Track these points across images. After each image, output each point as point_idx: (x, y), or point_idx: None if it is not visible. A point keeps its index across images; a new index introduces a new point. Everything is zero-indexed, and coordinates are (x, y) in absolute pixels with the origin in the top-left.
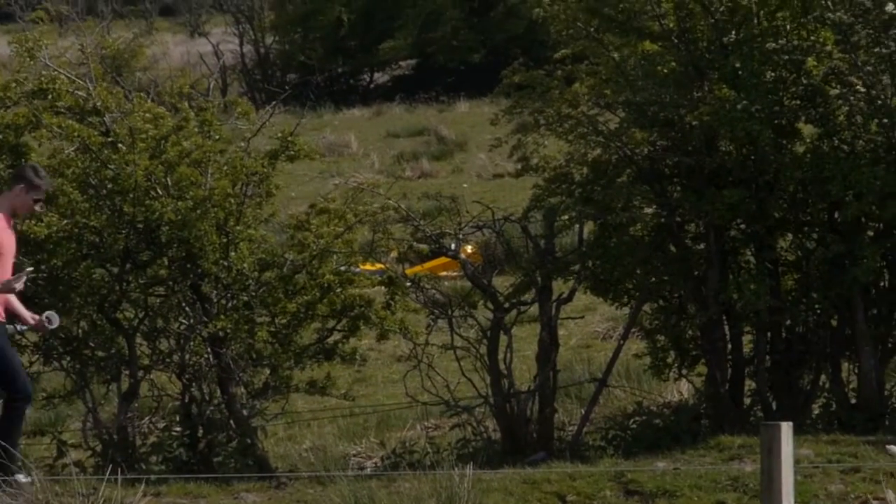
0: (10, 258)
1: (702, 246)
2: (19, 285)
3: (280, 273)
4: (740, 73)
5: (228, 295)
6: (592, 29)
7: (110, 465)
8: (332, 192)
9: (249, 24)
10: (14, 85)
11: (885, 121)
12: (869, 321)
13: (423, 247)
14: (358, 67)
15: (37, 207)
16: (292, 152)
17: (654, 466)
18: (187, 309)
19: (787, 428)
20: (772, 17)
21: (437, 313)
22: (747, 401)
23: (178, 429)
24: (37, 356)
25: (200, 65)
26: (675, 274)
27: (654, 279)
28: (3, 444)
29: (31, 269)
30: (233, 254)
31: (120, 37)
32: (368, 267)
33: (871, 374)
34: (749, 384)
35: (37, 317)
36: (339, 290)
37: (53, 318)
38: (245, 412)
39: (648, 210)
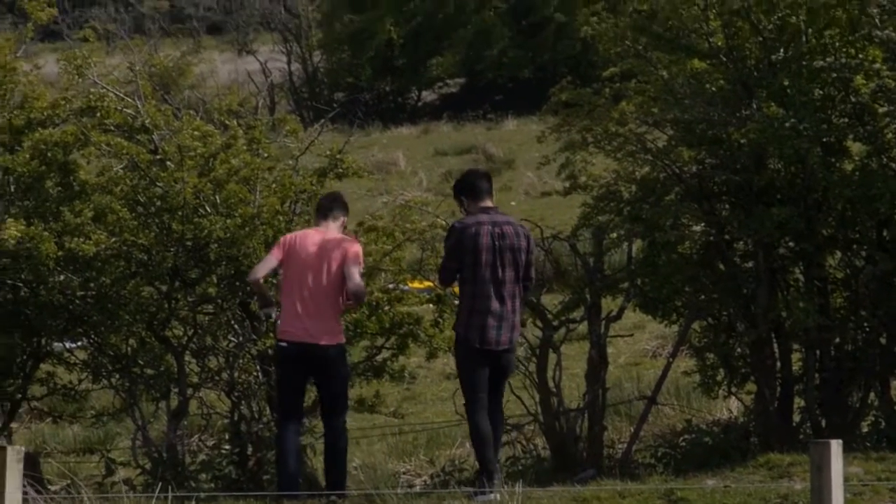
0: None
1: (750, 264)
2: None
3: None
4: (788, 90)
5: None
6: (641, 47)
7: (160, 483)
8: (380, 209)
9: (297, 43)
10: (63, 103)
11: None
12: None
13: None
14: (406, 86)
15: None
16: (340, 170)
17: (704, 484)
18: (236, 327)
19: (836, 446)
20: (820, 34)
21: None
22: (796, 418)
23: (227, 447)
24: (86, 374)
25: (248, 83)
26: (723, 292)
27: (702, 297)
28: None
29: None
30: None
31: (168, 55)
32: (417, 285)
33: None
34: (798, 402)
35: None
36: (387, 307)
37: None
38: None
39: (697, 228)
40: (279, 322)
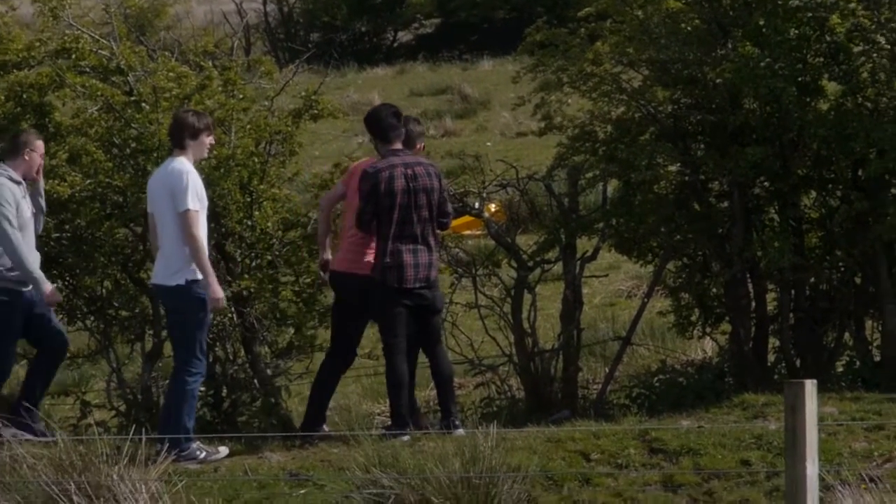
0: None
1: (725, 204)
2: None
3: (304, 232)
4: (764, 30)
5: (252, 254)
6: None
7: (134, 425)
8: (356, 150)
9: None
10: (38, 45)
11: None
12: (893, 278)
13: None
14: (381, 26)
15: None
16: (316, 111)
17: (679, 425)
18: None
19: (811, 386)
20: None
21: (461, 272)
22: (771, 358)
23: (201, 388)
24: (61, 316)
25: (224, 24)
26: (699, 232)
27: (678, 237)
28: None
29: None
30: (256, 213)
31: None
32: None
33: (895, 331)
34: (773, 342)
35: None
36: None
37: None
38: (269, 372)
39: (672, 168)
40: None
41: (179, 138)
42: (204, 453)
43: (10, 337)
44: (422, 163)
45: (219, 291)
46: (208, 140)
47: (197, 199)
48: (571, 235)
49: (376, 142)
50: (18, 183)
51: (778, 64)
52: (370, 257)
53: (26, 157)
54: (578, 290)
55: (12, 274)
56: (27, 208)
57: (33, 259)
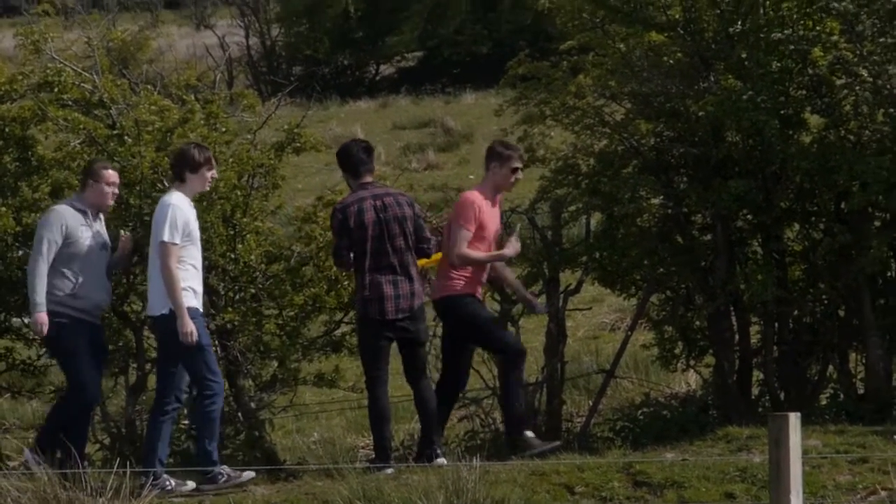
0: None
1: (709, 237)
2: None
3: (287, 265)
4: (746, 63)
5: (236, 287)
6: (598, 20)
7: (119, 458)
8: (339, 183)
9: (255, 16)
10: (20, 78)
11: (892, 111)
12: (876, 311)
13: None
14: (364, 60)
15: (515, 177)
16: (298, 144)
17: (663, 457)
18: None
19: (794, 419)
20: (777, 6)
21: None
22: (755, 391)
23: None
24: (45, 349)
25: (206, 57)
26: (682, 265)
27: (661, 270)
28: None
29: None
30: (240, 246)
31: (126, 29)
32: None
33: (879, 364)
34: (757, 375)
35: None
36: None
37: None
38: (253, 405)
39: (655, 201)
40: None
41: (179, 171)
42: (225, 476)
43: (83, 358)
44: (391, 193)
45: (188, 325)
46: (209, 174)
47: (177, 232)
48: (555, 269)
49: (347, 176)
50: (83, 212)
51: (760, 97)
52: (453, 280)
53: (90, 187)
54: (562, 324)
55: (77, 302)
56: (88, 238)
57: (95, 290)
